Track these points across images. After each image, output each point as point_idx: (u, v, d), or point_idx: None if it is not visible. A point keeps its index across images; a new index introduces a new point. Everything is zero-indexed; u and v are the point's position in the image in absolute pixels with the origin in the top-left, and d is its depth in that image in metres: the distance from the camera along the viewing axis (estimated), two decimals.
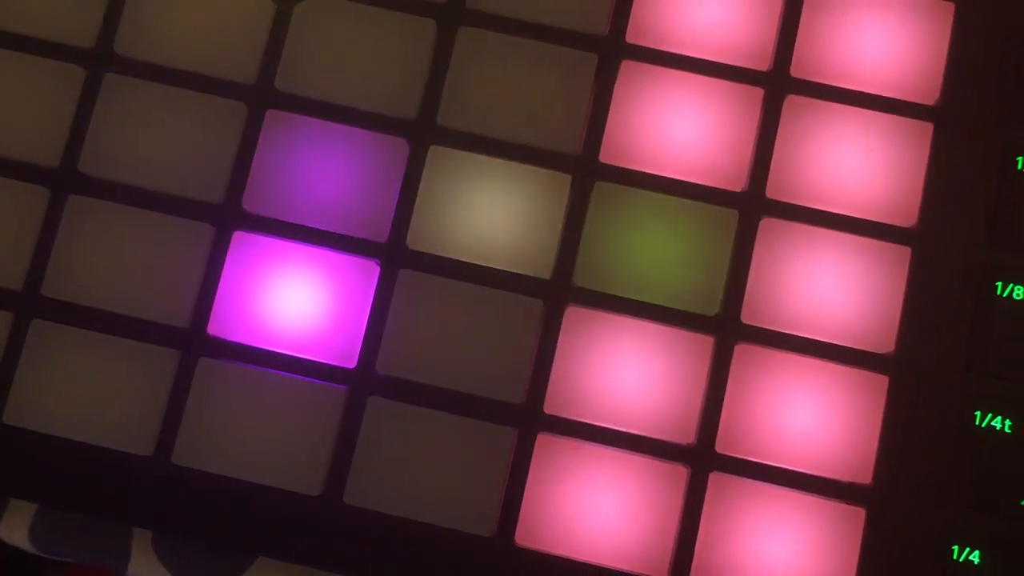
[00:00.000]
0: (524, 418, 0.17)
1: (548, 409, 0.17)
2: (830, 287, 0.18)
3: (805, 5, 0.18)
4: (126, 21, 0.19)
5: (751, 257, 0.18)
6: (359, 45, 0.18)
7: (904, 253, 0.18)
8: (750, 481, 0.17)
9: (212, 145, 0.18)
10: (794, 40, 0.18)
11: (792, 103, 0.18)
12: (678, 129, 0.18)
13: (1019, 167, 0.18)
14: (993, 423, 0.17)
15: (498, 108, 0.18)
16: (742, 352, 0.17)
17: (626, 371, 0.18)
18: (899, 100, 0.18)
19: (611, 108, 0.18)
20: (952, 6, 0.18)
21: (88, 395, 0.17)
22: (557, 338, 0.18)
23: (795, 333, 0.18)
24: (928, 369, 0.17)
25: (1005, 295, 0.17)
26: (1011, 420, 0.17)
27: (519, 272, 0.18)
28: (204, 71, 0.18)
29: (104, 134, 0.18)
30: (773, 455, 0.17)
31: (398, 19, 0.18)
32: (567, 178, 0.18)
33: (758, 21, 0.18)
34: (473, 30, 0.18)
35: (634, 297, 0.18)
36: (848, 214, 0.18)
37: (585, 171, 0.18)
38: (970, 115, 0.18)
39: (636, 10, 0.19)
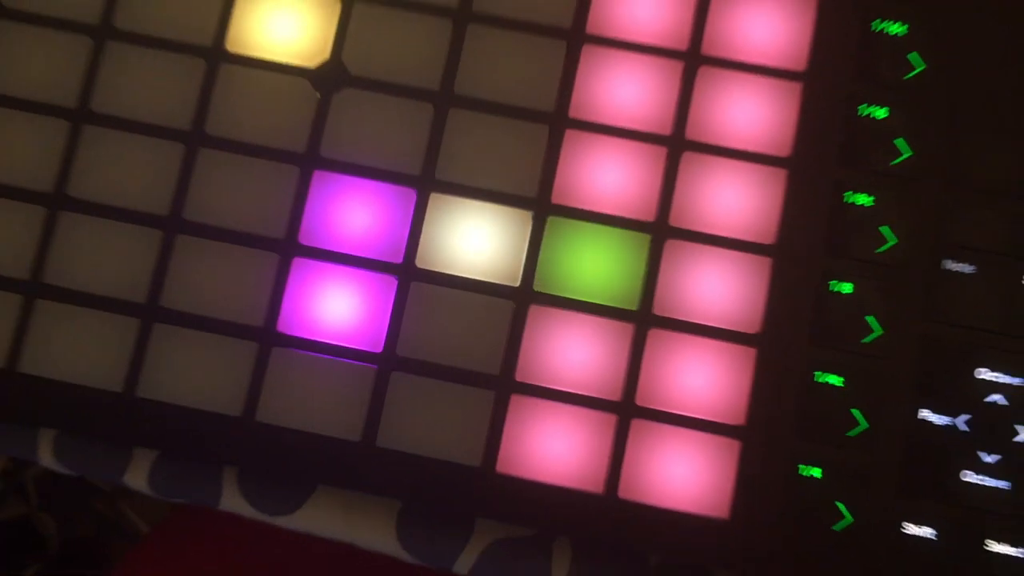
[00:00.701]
0: (501, 384, 0.25)
1: (518, 377, 0.25)
2: (716, 287, 0.25)
3: (695, 87, 0.26)
4: (214, 106, 0.26)
5: (659, 267, 0.25)
6: (379, 122, 0.26)
7: (766, 263, 0.25)
8: (660, 424, 0.24)
9: (275, 196, 0.26)
10: (687, 114, 0.26)
11: (687, 158, 0.25)
12: (607, 177, 0.26)
13: (847, 200, 0.25)
14: (827, 379, 0.24)
15: (479, 165, 0.26)
16: (654, 335, 0.25)
17: (573, 350, 0.25)
18: (758, 153, 0.25)
19: (559, 162, 0.26)
20: (799, 85, 0.26)
21: (199, 375, 0.25)
22: (524, 327, 0.25)
23: (692, 320, 0.25)
24: (783, 343, 0.25)
25: (836, 291, 0.25)
26: (843, 378, 0.24)
27: (496, 282, 0.25)
28: (268, 143, 0.26)
29: (200, 190, 0.26)
30: (676, 406, 0.25)
31: (405, 105, 0.26)
32: (529, 214, 0.25)
33: (661, 97, 0.26)
34: (460, 111, 0.26)
35: (578, 297, 0.25)
36: (728, 235, 0.25)
37: (541, 209, 0.25)
38: (814, 167, 0.25)
39: (577, 90, 0.26)
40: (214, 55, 0.26)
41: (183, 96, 0.26)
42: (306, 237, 0.25)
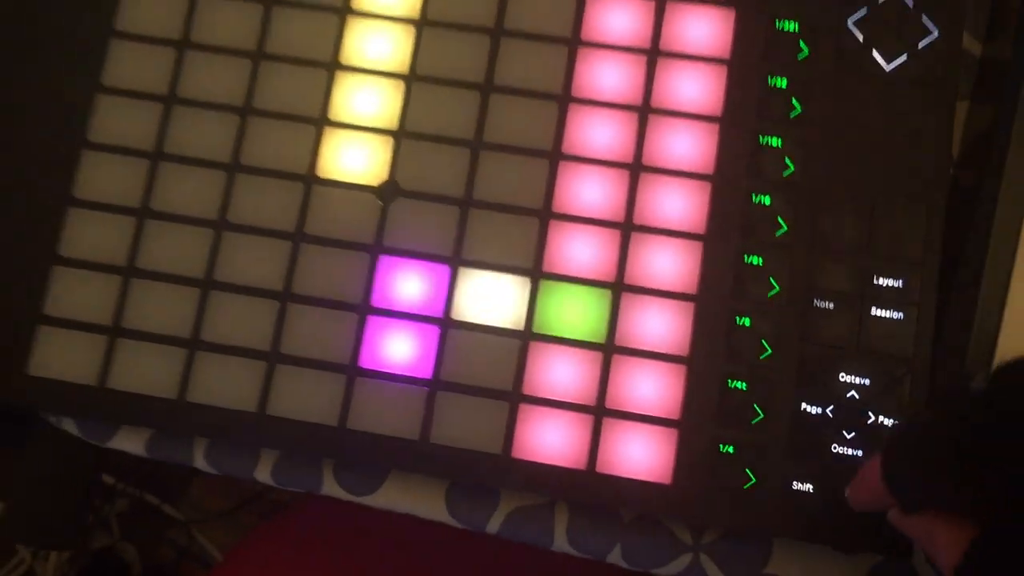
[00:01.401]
0: (512, 397, 0.36)
1: (525, 392, 0.36)
2: (658, 325, 0.36)
3: (638, 190, 0.37)
4: (311, 214, 0.38)
5: (618, 312, 0.37)
6: (422, 221, 0.38)
7: (690, 306, 0.36)
8: (623, 421, 0.36)
9: (354, 273, 0.37)
10: (633, 207, 0.37)
11: (635, 238, 0.37)
12: (580, 252, 0.37)
13: (745, 260, 0.36)
14: (736, 384, 0.36)
15: (492, 247, 0.37)
16: (616, 359, 0.36)
17: (561, 371, 0.36)
18: (682, 231, 0.37)
19: (547, 243, 0.37)
20: (709, 184, 0.37)
21: (308, 398, 0.37)
22: (527, 357, 0.36)
23: (642, 348, 0.36)
24: (704, 360, 0.36)
25: (740, 323, 0.36)
26: (746, 383, 0.36)
27: (506, 327, 0.37)
28: (347, 238, 0.38)
29: (304, 272, 0.38)
30: (633, 407, 0.36)
31: (440, 208, 0.38)
32: (528, 279, 0.37)
33: (615, 197, 0.37)
34: (478, 211, 0.38)
35: (564, 335, 0.37)
36: (665, 289, 0.37)
37: (536, 275, 0.37)
38: (721, 240, 0.37)
39: (556, 194, 0.38)
40: (308, 181, 0.38)
41: (288, 208, 0.38)
42: (376, 301, 0.37)
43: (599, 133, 0.38)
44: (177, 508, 0.98)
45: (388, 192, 0.38)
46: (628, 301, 0.37)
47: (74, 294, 0.38)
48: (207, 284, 0.38)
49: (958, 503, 0.28)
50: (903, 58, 0.38)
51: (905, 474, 0.29)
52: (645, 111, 0.38)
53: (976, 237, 0.36)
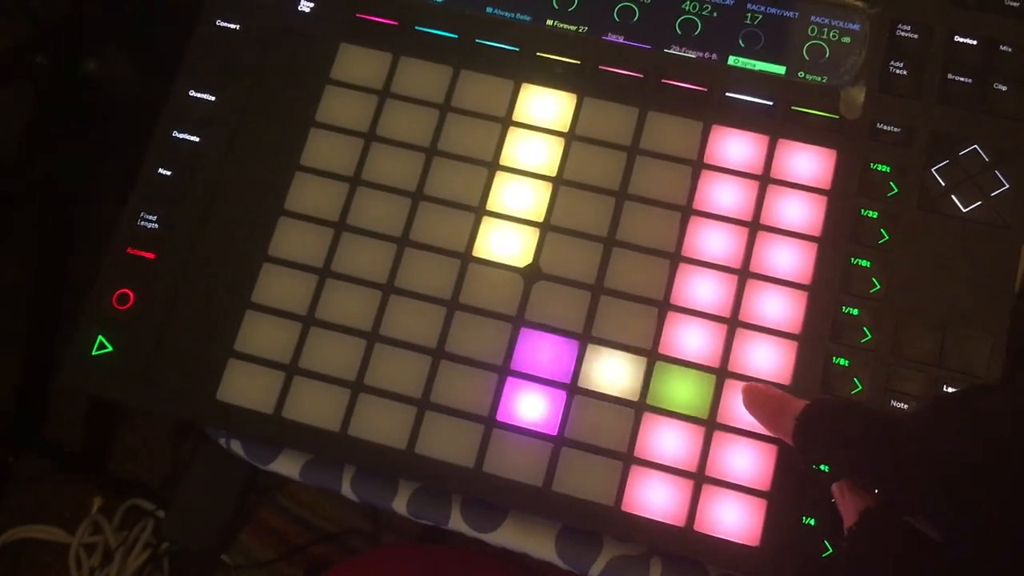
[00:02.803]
0: (626, 458, 0.42)
1: (636, 454, 0.42)
2: None
3: (743, 301, 0.44)
4: (465, 288, 0.45)
5: (721, 394, 0.43)
6: (559, 301, 0.45)
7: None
8: (720, 488, 0.42)
9: (498, 340, 0.44)
10: (740, 305, 0.44)
11: (739, 334, 0.44)
12: (692, 339, 0.44)
13: (833, 363, 0.43)
14: (820, 467, 0.41)
15: (617, 327, 0.44)
16: (718, 435, 0.42)
17: (669, 439, 0.42)
18: (776, 330, 0.43)
19: (664, 329, 0.44)
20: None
21: (452, 442, 0.43)
22: (640, 425, 0.43)
23: (738, 426, 0.42)
24: None
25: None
26: (828, 466, 0.41)
27: (624, 397, 0.43)
28: (495, 310, 0.45)
29: (457, 336, 0.44)
30: (729, 476, 0.42)
31: (574, 292, 0.45)
32: (644, 359, 0.44)
33: (722, 296, 0.44)
34: (607, 298, 0.44)
35: (672, 408, 0.43)
36: (762, 377, 0.43)
37: (652, 356, 0.44)
38: (813, 343, 0.43)
39: (675, 291, 0.44)
40: (465, 258, 0.45)
41: (446, 280, 0.45)
42: (515, 365, 0.44)
43: (714, 241, 0.45)
44: (227, 554, 1.04)
45: (531, 274, 0.45)
46: (730, 386, 0.43)
47: (261, 335, 0.45)
48: (373, 336, 0.45)
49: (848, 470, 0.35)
50: (977, 203, 0.45)
51: (815, 426, 0.36)
52: (755, 227, 0.45)
53: None
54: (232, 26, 0.50)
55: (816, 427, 0.36)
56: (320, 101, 0.48)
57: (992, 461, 0.28)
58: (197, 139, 0.48)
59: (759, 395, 0.41)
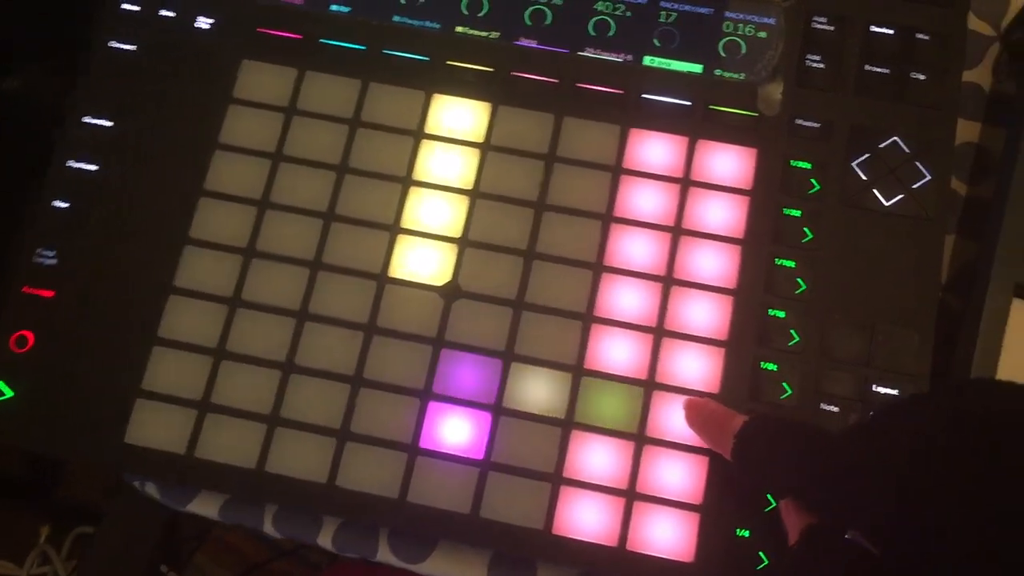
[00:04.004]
0: (555, 479, 0.41)
1: (565, 475, 0.41)
2: (682, 421, 0.41)
3: (668, 303, 0.43)
4: (382, 312, 0.43)
5: (649, 407, 0.42)
6: (481, 319, 0.43)
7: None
8: (652, 504, 0.40)
9: (419, 365, 0.42)
10: (666, 309, 0.43)
11: (665, 343, 0.42)
12: (617, 352, 0.42)
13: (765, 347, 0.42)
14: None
15: (540, 345, 0.43)
16: (647, 449, 0.41)
17: (598, 457, 0.41)
18: (700, 337, 0.42)
19: (588, 344, 0.43)
20: (731, 298, 0.43)
21: (374, 474, 0.41)
22: (568, 444, 0.41)
23: (669, 439, 0.41)
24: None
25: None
26: None
27: (552, 415, 0.42)
28: (414, 332, 0.43)
29: (377, 362, 0.43)
30: (662, 492, 0.41)
31: (496, 309, 0.43)
32: (570, 375, 0.42)
33: (647, 305, 0.43)
34: (529, 313, 0.43)
35: (602, 424, 0.41)
36: (691, 388, 0.42)
37: (578, 372, 0.42)
38: (740, 349, 0.42)
39: (598, 302, 0.43)
40: (381, 279, 0.44)
41: (362, 303, 0.43)
42: (437, 388, 0.42)
43: (637, 249, 0.44)
44: None
45: (451, 293, 0.44)
46: (658, 397, 0.42)
47: (170, 372, 0.43)
48: (288, 367, 0.43)
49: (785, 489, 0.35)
50: (900, 197, 0.44)
51: (751, 445, 0.35)
52: (678, 232, 0.44)
53: (961, 355, 0.41)
54: (127, 47, 0.47)
55: (752, 446, 0.35)
56: (223, 121, 0.46)
57: (921, 472, 0.28)
58: (95, 168, 0.46)
59: (701, 411, 0.40)
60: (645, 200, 0.44)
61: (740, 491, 0.40)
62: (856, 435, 0.31)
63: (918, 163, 0.44)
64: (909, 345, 0.42)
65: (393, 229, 0.45)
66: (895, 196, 0.44)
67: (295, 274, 0.44)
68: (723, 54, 0.47)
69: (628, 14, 0.47)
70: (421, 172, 0.45)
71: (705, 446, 0.41)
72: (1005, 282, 0.41)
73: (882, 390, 0.41)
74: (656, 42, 0.47)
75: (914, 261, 0.43)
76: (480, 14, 0.48)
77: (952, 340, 0.43)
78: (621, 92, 0.46)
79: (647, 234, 0.44)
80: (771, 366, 0.42)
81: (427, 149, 0.46)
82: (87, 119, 0.46)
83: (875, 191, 0.44)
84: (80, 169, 0.46)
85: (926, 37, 0.46)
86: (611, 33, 0.47)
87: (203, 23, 0.48)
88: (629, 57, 0.47)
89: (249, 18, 0.48)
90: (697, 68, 0.47)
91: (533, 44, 0.47)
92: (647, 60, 0.47)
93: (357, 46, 0.47)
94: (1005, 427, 0.27)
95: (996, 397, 0.29)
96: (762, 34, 0.47)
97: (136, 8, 0.48)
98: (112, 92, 0.47)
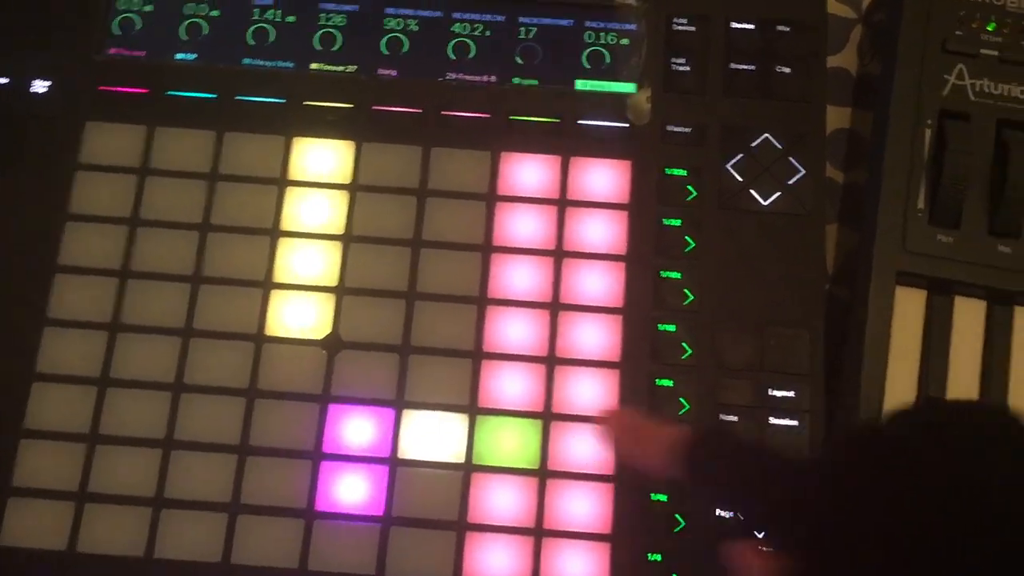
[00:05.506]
0: (459, 526, 0.40)
1: (470, 520, 0.40)
2: (587, 448, 0.40)
3: (558, 330, 0.42)
4: (262, 371, 0.41)
5: (549, 439, 0.40)
6: (366, 369, 0.41)
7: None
8: (561, 539, 0.39)
9: (306, 423, 0.41)
10: (556, 338, 0.42)
11: (559, 370, 0.41)
12: (513, 387, 0.41)
13: (656, 384, 0.41)
14: (658, 498, 0.40)
15: (431, 388, 0.41)
16: (551, 483, 0.40)
17: (502, 498, 0.40)
18: (594, 360, 0.41)
19: (480, 380, 0.41)
20: (620, 317, 0.42)
21: (271, 544, 0.39)
22: (470, 488, 0.40)
23: (574, 471, 0.40)
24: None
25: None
26: (666, 496, 0.40)
27: (451, 461, 0.40)
28: (297, 390, 0.41)
29: (261, 426, 0.41)
30: (571, 526, 0.40)
31: (382, 356, 0.41)
32: (466, 415, 0.41)
33: (539, 335, 0.42)
34: (417, 356, 0.41)
35: (502, 464, 0.40)
36: (586, 414, 0.41)
37: (473, 412, 0.41)
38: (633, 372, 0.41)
39: (486, 337, 0.42)
40: (259, 339, 0.42)
41: (241, 366, 0.41)
42: (328, 447, 0.41)
43: (520, 277, 0.43)
44: None
45: (333, 345, 0.42)
46: (557, 428, 0.41)
47: (42, 465, 0.40)
48: (168, 444, 0.40)
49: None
50: (777, 195, 0.43)
51: (706, 453, 0.33)
52: (560, 255, 0.43)
53: (851, 348, 0.41)
54: None
55: (703, 457, 0.33)
56: (72, 190, 0.44)
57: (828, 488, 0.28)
58: None
59: (625, 426, 0.37)
60: (523, 226, 0.43)
61: (645, 513, 0.40)
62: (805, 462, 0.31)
63: (791, 158, 0.44)
64: (800, 345, 0.41)
65: (266, 285, 0.42)
66: (772, 194, 0.43)
67: (166, 344, 0.42)
68: (588, 65, 0.46)
69: (487, 33, 0.46)
70: (289, 221, 0.43)
71: (609, 473, 0.40)
72: (886, 271, 0.41)
73: (779, 394, 0.41)
74: (519, 59, 0.46)
75: (797, 258, 0.43)
76: (334, 48, 0.46)
77: (843, 333, 0.43)
78: (488, 116, 0.45)
79: (529, 261, 0.43)
80: (667, 382, 0.41)
81: (293, 196, 0.44)
82: None
83: (752, 191, 0.44)
84: None
85: (787, 28, 0.45)
86: (472, 55, 0.46)
87: (39, 87, 0.45)
88: (493, 78, 0.46)
89: (88, 77, 0.45)
90: (563, 83, 0.45)
91: (394, 74, 0.45)
92: (513, 80, 0.45)
93: (208, 95, 0.45)
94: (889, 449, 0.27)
95: (900, 418, 0.29)
96: (625, 41, 0.46)
97: None
98: None
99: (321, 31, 0.46)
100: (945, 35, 0.44)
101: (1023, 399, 0.40)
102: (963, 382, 0.40)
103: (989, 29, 0.44)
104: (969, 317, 0.41)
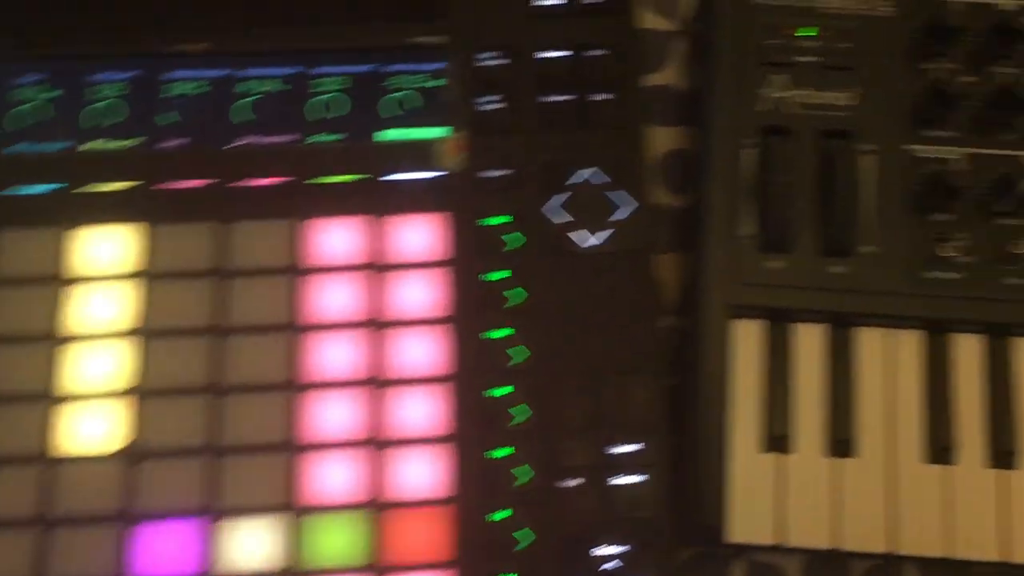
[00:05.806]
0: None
1: None
2: (418, 538, 0.37)
3: (383, 408, 0.38)
4: (55, 497, 0.37)
5: (381, 531, 0.37)
6: (177, 478, 0.37)
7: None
8: None
9: (103, 553, 0.36)
10: (381, 421, 0.38)
11: (386, 453, 0.38)
12: (335, 477, 0.37)
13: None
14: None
15: (248, 491, 0.37)
16: None
17: None
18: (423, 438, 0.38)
19: (298, 475, 0.37)
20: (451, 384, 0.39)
21: None
22: None
23: (409, 562, 0.37)
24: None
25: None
26: (516, 574, 0.36)
27: (274, 570, 0.36)
28: (92, 512, 0.37)
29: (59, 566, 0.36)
30: None
31: (192, 463, 0.37)
32: (285, 516, 0.37)
33: (365, 420, 0.38)
34: (234, 457, 0.37)
35: (328, 564, 0.36)
36: (410, 500, 0.37)
37: (294, 511, 0.37)
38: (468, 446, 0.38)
39: (295, 427, 0.38)
40: (44, 461, 0.37)
41: (27, 498, 0.37)
42: (135, 572, 0.36)
43: (336, 355, 0.39)
44: None
45: (132, 456, 0.37)
46: (388, 517, 0.37)
47: None
48: None
49: None
50: (607, 232, 0.41)
51: None
52: (378, 325, 0.39)
53: (690, 385, 0.38)
54: None
55: None
56: None
57: None
58: None
59: None
60: (336, 297, 0.40)
61: None
62: None
63: (616, 191, 0.41)
64: (639, 392, 0.38)
65: (48, 398, 0.38)
66: (601, 231, 0.41)
67: None
68: (392, 113, 0.42)
69: (280, 88, 0.42)
70: (73, 323, 0.39)
71: (441, 560, 0.36)
72: (718, 305, 0.39)
73: (622, 449, 0.38)
74: (316, 115, 0.42)
75: (629, 297, 0.40)
76: (109, 123, 0.41)
77: (689, 368, 0.40)
78: (288, 179, 0.41)
79: (345, 335, 0.39)
80: (506, 452, 0.38)
81: (76, 295, 0.39)
82: None
83: (580, 232, 0.41)
84: None
85: (597, 52, 0.43)
86: (265, 114, 0.42)
87: None
88: (290, 138, 0.42)
89: None
90: (367, 136, 0.42)
91: (178, 144, 0.41)
92: (312, 138, 0.42)
93: None
94: None
95: None
96: (431, 83, 0.43)
97: None
98: None
99: (93, 104, 0.42)
100: (760, 45, 0.42)
101: (872, 427, 0.38)
102: (809, 414, 0.38)
103: (805, 35, 0.42)
104: (811, 344, 0.39)
